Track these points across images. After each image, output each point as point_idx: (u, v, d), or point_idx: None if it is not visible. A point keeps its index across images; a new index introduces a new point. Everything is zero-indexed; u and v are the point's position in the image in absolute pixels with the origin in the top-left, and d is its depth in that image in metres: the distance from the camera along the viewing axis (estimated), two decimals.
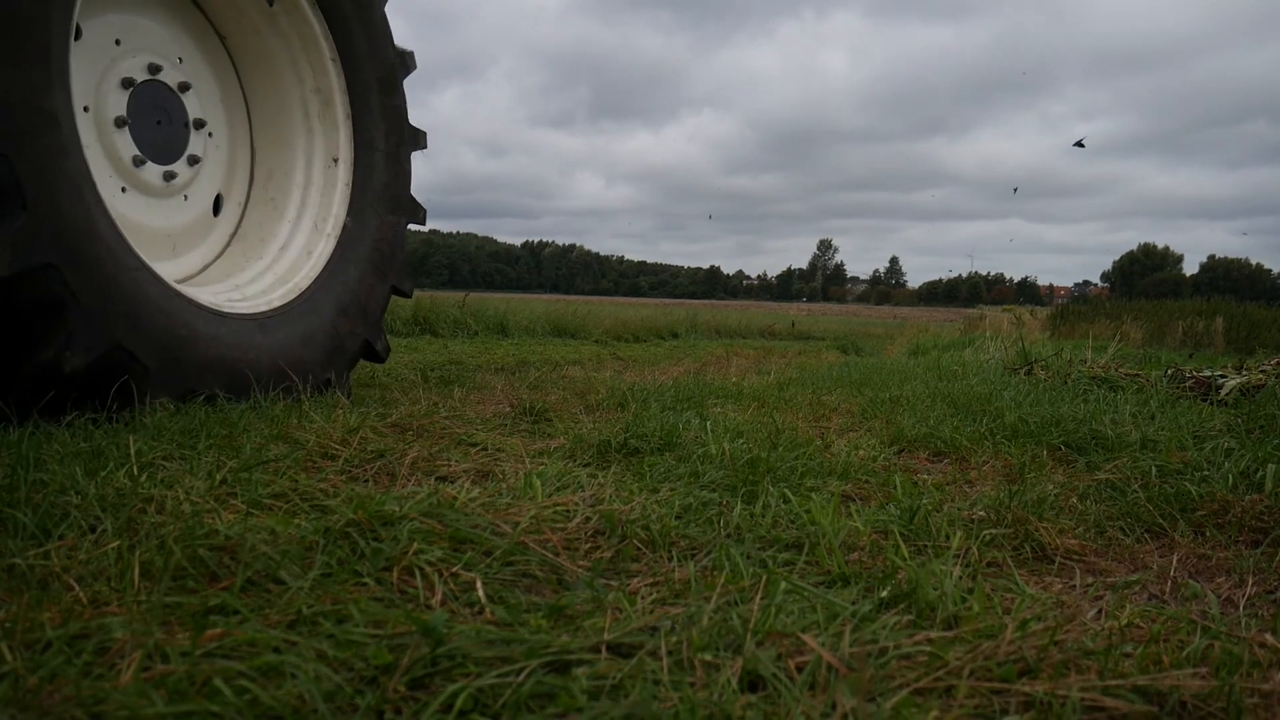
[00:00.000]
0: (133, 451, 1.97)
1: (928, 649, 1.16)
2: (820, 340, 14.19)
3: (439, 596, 1.34)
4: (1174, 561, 1.80)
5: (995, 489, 2.23)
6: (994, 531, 1.88)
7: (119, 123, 2.61)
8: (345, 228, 3.03)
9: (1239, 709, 1.05)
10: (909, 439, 2.98)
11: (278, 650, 1.07)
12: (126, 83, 2.61)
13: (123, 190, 2.67)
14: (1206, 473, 2.29)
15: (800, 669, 1.09)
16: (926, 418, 3.25)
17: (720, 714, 0.97)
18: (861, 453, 2.69)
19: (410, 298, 3.61)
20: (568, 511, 1.77)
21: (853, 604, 1.32)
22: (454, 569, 1.42)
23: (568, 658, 1.10)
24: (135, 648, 1.03)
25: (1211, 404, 3.70)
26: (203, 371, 2.59)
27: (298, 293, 2.89)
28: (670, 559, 1.63)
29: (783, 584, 1.37)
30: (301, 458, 2.19)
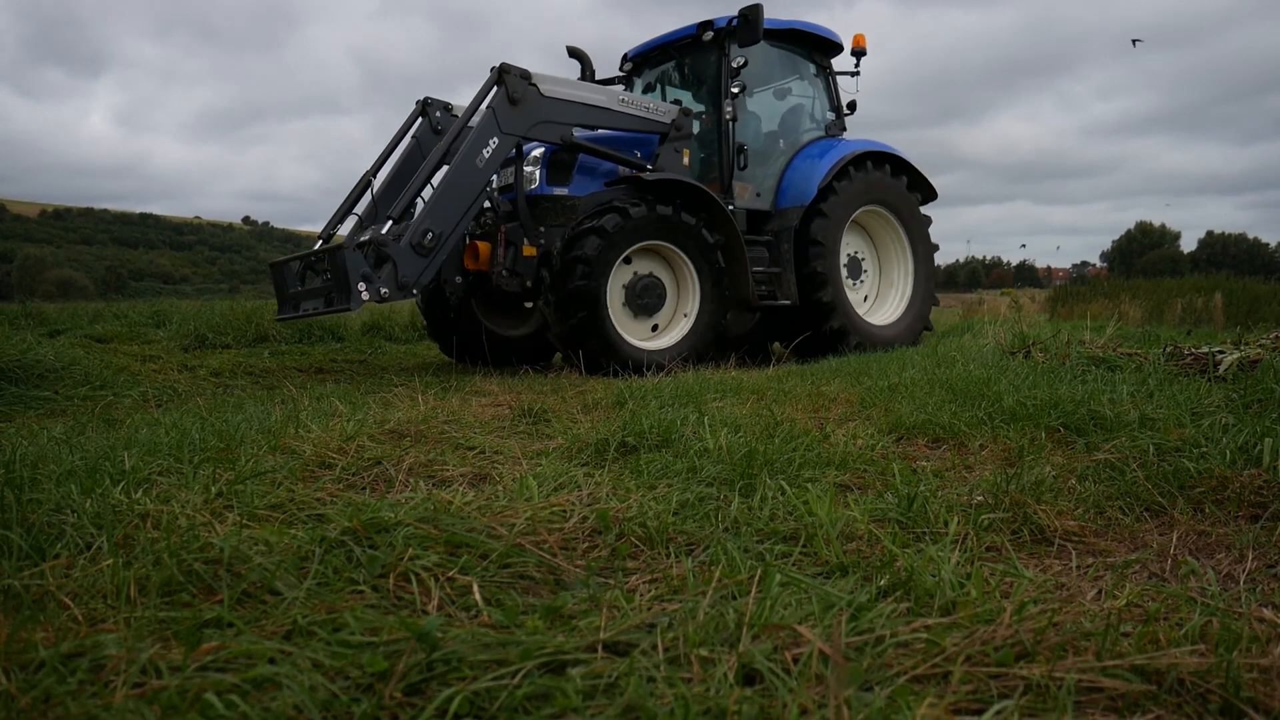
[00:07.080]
0: (128, 467, 1.97)
1: (924, 636, 1.15)
2: None
3: (435, 601, 1.33)
4: (1173, 539, 1.80)
5: (994, 473, 2.22)
6: (992, 516, 1.88)
7: (850, 269, 7.62)
8: (913, 290, 7.86)
9: (1237, 684, 1.05)
10: (907, 426, 2.97)
11: (273, 661, 1.07)
12: (851, 258, 7.68)
13: (850, 287, 7.60)
14: (1205, 449, 2.28)
15: (796, 660, 1.08)
16: (925, 404, 3.24)
17: (716, 709, 0.97)
18: (860, 442, 2.68)
19: (937, 305, 8.52)
20: (564, 512, 1.76)
21: (849, 594, 1.32)
22: (450, 573, 1.42)
23: (564, 658, 1.10)
24: (129, 665, 1.03)
25: (1210, 380, 3.68)
26: (870, 341, 7.12)
27: (898, 315, 7.77)
28: (668, 555, 1.63)
29: (779, 576, 1.37)
30: (298, 467, 2.19)
